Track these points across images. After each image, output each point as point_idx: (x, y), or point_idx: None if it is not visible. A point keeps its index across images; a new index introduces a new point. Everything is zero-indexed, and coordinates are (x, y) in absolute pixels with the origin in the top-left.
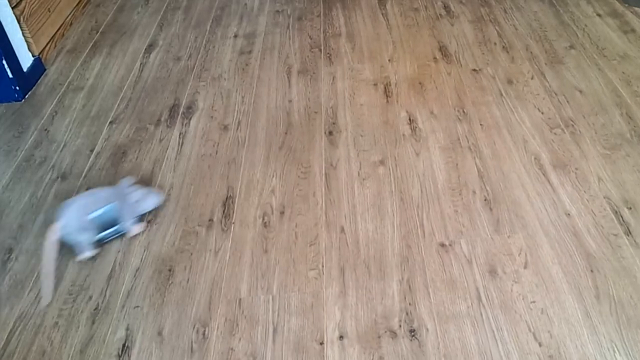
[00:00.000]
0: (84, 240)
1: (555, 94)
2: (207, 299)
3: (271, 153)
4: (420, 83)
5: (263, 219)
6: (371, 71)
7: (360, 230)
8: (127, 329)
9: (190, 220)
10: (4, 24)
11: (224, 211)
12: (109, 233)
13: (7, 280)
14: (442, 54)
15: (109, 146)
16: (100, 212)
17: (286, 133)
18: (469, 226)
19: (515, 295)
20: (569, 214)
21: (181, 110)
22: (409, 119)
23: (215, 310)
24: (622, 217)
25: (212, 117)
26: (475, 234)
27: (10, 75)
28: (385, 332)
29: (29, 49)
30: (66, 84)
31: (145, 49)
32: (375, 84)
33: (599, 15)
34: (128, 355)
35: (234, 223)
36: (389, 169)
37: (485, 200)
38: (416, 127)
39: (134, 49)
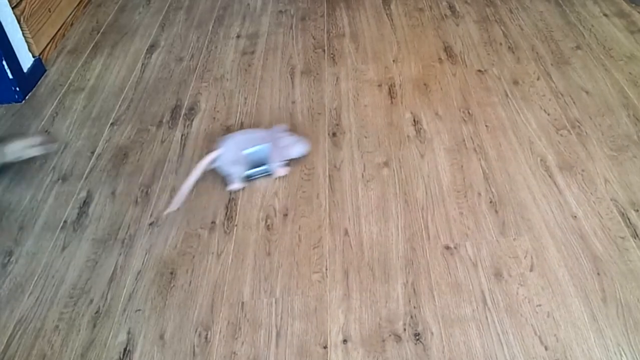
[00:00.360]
0: (235, 172)
1: (562, 94)
2: (209, 302)
3: None
4: (425, 84)
5: (266, 222)
6: (375, 72)
7: (364, 232)
8: (129, 332)
9: (193, 222)
10: (4, 24)
11: (226, 213)
12: (258, 171)
13: (7, 283)
14: (447, 54)
15: (110, 148)
16: (253, 149)
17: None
18: (474, 228)
19: (521, 299)
20: (575, 216)
21: (183, 111)
22: (414, 120)
23: (218, 313)
24: (629, 219)
25: (214, 118)
26: (480, 236)
27: (11, 76)
28: (390, 335)
29: (29, 50)
30: (67, 84)
31: (147, 50)
32: (379, 85)
33: (605, 15)
34: (129, 359)
35: (236, 225)
36: (394, 171)
37: (490, 202)
38: (421, 129)
39: (135, 50)
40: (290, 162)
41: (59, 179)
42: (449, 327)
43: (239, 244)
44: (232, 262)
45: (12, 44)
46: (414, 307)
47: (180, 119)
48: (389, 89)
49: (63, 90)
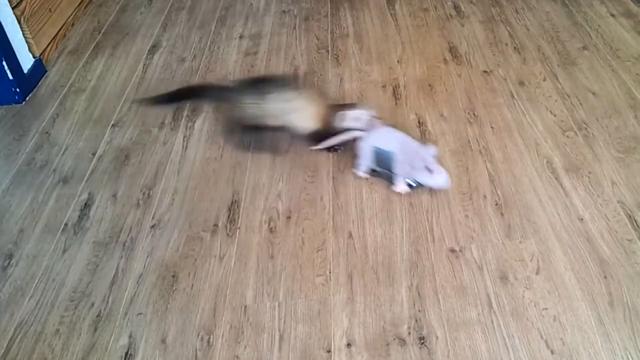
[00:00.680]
0: (362, 161)
1: (568, 96)
2: (211, 305)
3: (277, 156)
4: (429, 85)
5: (269, 224)
6: (379, 73)
7: (368, 235)
8: (130, 336)
9: (195, 225)
10: (4, 24)
11: (229, 216)
12: (382, 171)
13: (7, 286)
14: (452, 55)
15: (111, 149)
16: (385, 149)
17: (293, 136)
18: (479, 231)
19: (527, 302)
20: (582, 219)
21: (185, 112)
22: (418, 122)
23: (220, 317)
24: (636, 222)
25: (217, 119)
26: (486, 239)
27: (11, 77)
28: (394, 339)
29: (30, 50)
30: (68, 85)
31: (149, 50)
32: (383, 86)
33: (612, 15)
34: None
35: (239, 228)
36: None
37: (496, 204)
38: (425, 130)
39: (137, 50)
40: (416, 186)
41: (59, 181)
42: (454, 331)
43: (241, 247)
44: (235, 265)
45: (12, 45)
46: (419, 311)
47: (182, 120)
48: (394, 89)
49: (64, 91)
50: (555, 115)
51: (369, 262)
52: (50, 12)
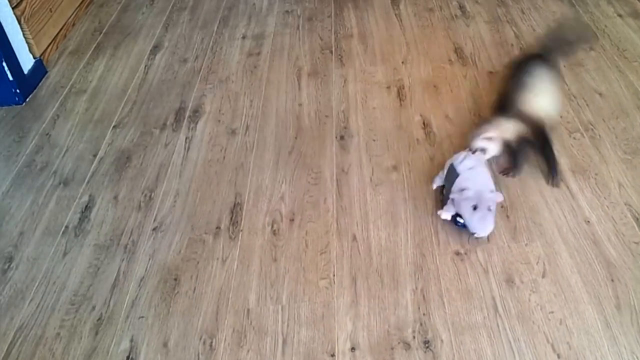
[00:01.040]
0: (439, 175)
1: (574, 97)
2: (214, 309)
3: (280, 158)
4: (434, 86)
5: (272, 227)
6: (384, 73)
7: (372, 238)
8: (132, 340)
9: (197, 227)
10: (4, 24)
11: (231, 218)
12: (445, 192)
13: (7, 289)
14: (457, 55)
15: (112, 151)
16: (460, 171)
17: (296, 137)
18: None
19: (533, 305)
20: (588, 221)
21: (187, 113)
22: (423, 123)
23: (223, 320)
24: None
25: (219, 121)
26: (491, 242)
27: (11, 78)
28: (399, 343)
29: (30, 51)
30: (68, 86)
31: (150, 51)
32: (388, 87)
33: (619, 15)
34: None
35: (242, 231)
36: (403, 175)
37: (502, 207)
38: (430, 132)
39: (138, 51)
40: (460, 226)
41: (60, 183)
42: (460, 335)
43: (244, 250)
44: (238, 268)
45: (13, 45)
46: (424, 314)
47: (185, 121)
48: (398, 91)
49: (64, 92)
50: (561, 117)
51: (373, 265)
52: (51, 12)
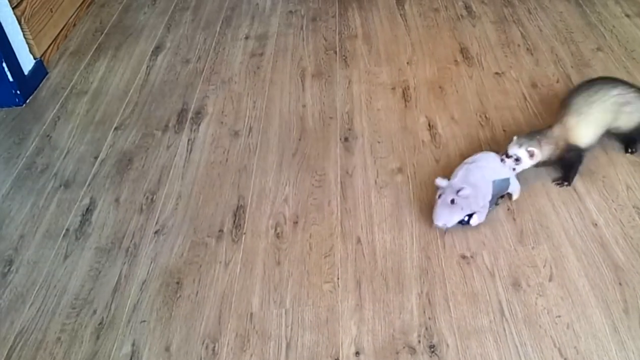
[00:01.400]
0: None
1: None
2: (216, 313)
3: (284, 160)
4: (440, 87)
5: (275, 230)
6: (389, 74)
7: (377, 241)
8: (133, 344)
9: (199, 230)
10: (4, 25)
11: (234, 221)
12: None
13: (7, 293)
14: (463, 56)
15: (114, 153)
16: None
17: (300, 139)
18: (491, 237)
19: (540, 309)
20: (596, 224)
21: (190, 115)
22: (429, 125)
23: (226, 325)
24: None
25: (222, 122)
26: (497, 245)
27: (11, 79)
28: (404, 347)
29: (31, 51)
30: (69, 87)
31: (152, 51)
32: (393, 88)
33: (627, 15)
34: None
35: (245, 234)
36: (408, 177)
37: (508, 209)
38: (436, 133)
39: (140, 51)
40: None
41: (61, 186)
42: (465, 339)
43: (247, 253)
44: (241, 271)
45: (13, 46)
46: (429, 318)
47: (187, 123)
48: (403, 92)
49: (65, 94)
50: None
51: (378, 268)
52: (52, 12)
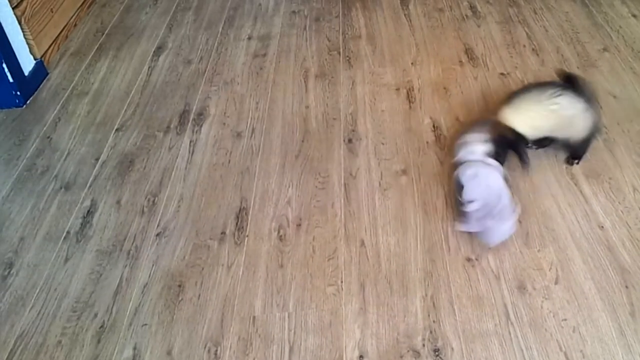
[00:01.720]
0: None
1: None
2: (219, 316)
3: (287, 162)
4: (444, 88)
5: (278, 232)
6: (393, 75)
7: (381, 243)
8: (135, 348)
9: (202, 233)
10: (4, 25)
11: (237, 223)
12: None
13: (7, 296)
14: (468, 57)
15: (115, 155)
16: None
17: (303, 141)
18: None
19: (546, 313)
20: (602, 227)
21: (192, 116)
22: (433, 126)
23: (228, 328)
24: None
25: (224, 123)
26: (503, 247)
27: (11, 80)
28: (408, 351)
29: (31, 52)
30: (70, 88)
31: (154, 52)
32: (397, 89)
33: (634, 16)
34: None
35: (247, 236)
36: (412, 179)
37: (513, 212)
38: (441, 135)
39: (141, 52)
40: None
41: (61, 188)
42: (470, 343)
43: (250, 256)
44: (243, 274)
45: (13, 46)
46: (434, 322)
47: (189, 124)
48: (407, 93)
49: (66, 95)
50: None
51: (382, 271)
52: (52, 12)
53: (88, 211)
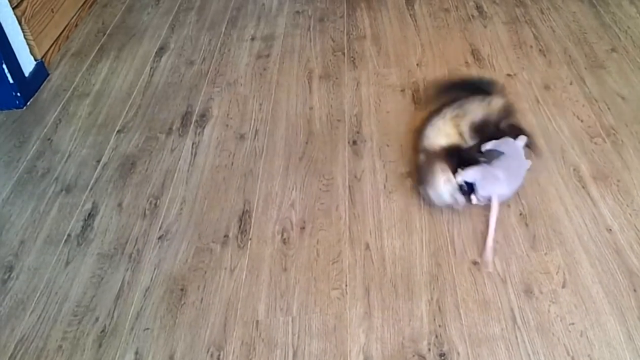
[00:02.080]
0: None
1: (596, 100)
2: (222, 320)
3: (291, 164)
4: None
5: (282, 235)
6: (398, 76)
7: (386, 247)
8: (137, 352)
9: (204, 236)
10: (4, 25)
11: (240, 226)
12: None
13: (7, 300)
14: (474, 57)
15: (116, 156)
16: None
17: (307, 142)
18: (503, 243)
19: (553, 317)
20: (610, 230)
21: (194, 118)
22: None
23: (231, 332)
24: None
25: (227, 125)
26: (509, 251)
27: (11, 81)
28: (414, 356)
29: (31, 53)
30: (71, 89)
31: (156, 53)
32: (402, 90)
33: None
34: None
35: (250, 239)
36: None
37: (520, 214)
38: None
39: (143, 52)
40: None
41: (62, 190)
42: (477, 347)
43: (253, 259)
44: (246, 278)
45: (13, 47)
46: (439, 326)
47: (191, 126)
48: (413, 94)
49: (67, 96)
50: (582, 121)
51: (387, 274)
52: (53, 12)
53: (89, 214)
